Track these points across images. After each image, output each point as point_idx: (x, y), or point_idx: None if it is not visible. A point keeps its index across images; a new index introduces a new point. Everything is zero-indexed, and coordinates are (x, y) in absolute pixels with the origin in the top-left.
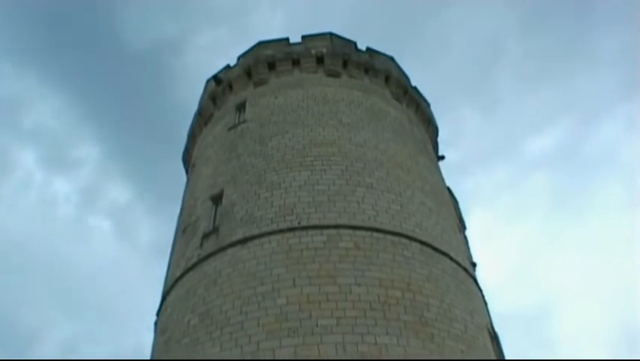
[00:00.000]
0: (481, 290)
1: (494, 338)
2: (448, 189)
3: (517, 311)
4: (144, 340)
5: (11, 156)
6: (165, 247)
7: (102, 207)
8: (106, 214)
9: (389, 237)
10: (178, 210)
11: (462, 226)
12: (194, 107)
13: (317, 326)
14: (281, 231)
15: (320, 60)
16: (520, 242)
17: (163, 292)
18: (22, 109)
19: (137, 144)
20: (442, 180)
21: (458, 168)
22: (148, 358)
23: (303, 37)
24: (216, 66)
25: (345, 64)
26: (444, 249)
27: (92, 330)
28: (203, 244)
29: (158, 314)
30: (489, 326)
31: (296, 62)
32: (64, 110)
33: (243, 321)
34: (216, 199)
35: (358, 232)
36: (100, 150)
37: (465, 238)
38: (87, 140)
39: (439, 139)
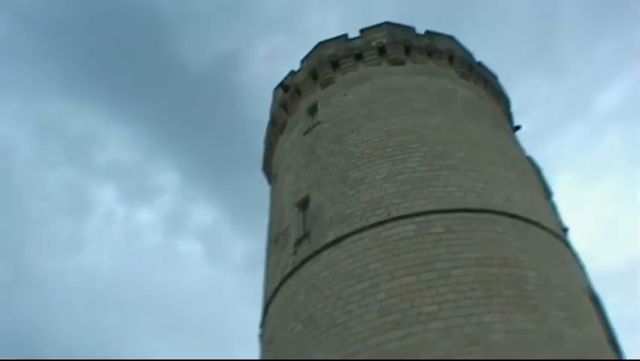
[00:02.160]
0: (575, 254)
1: (595, 300)
2: (529, 158)
3: (612, 269)
4: (249, 355)
5: (91, 195)
6: (258, 260)
7: (189, 231)
8: (194, 237)
9: (479, 215)
10: (266, 222)
11: (548, 193)
12: (265, 117)
13: (419, 314)
14: (372, 226)
15: (382, 51)
16: (606, 198)
17: (264, 304)
18: (94, 146)
19: (214, 162)
20: (521, 150)
21: (535, 136)
22: None
23: (361, 30)
24: (280, 74)
25: (407, 50)
26: (534, 219)
27: (195, 354)
28: (297, 251)
29: (261, 326)
30: (588, 288)
31: (359, 57)
32: (136, 141)
33: (347, 321)
34: (303, 204)
35: (448, 215)
36: (178, 175)
37: (553, 204)
38: (163, 166)
39: (512, 110)
